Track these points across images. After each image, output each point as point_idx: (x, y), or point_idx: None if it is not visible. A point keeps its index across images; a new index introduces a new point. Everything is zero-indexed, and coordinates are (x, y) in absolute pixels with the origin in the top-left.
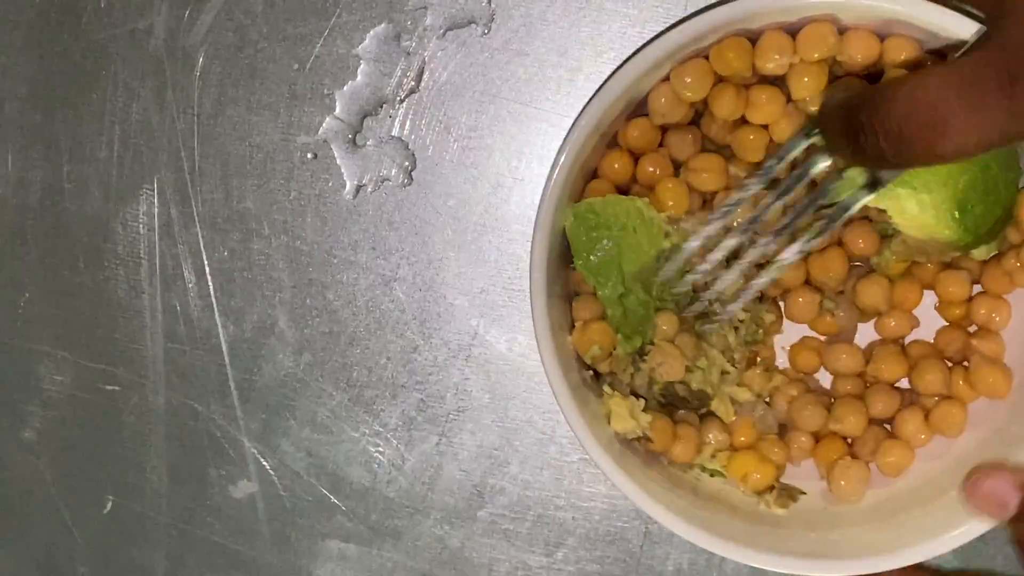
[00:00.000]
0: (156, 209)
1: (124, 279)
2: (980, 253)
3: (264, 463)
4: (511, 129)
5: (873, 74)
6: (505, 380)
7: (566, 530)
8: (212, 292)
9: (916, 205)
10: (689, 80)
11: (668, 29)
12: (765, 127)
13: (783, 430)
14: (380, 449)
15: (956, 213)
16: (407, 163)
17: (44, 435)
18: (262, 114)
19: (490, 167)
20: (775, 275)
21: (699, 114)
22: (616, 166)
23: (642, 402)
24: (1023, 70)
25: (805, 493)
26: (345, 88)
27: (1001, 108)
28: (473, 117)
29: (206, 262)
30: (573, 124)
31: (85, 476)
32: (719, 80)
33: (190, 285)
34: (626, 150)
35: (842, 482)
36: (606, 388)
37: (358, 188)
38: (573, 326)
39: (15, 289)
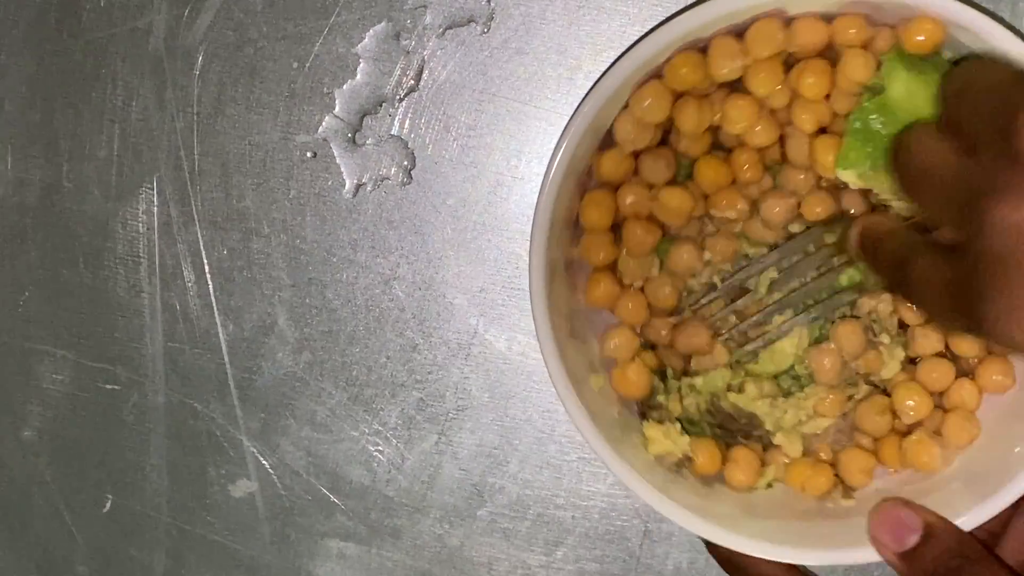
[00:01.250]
0: (156, 208)
1: (124, 278)
2: None
3: (264, 462)
4: (511, 128)
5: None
6: (505, 379)
7: (565, 529)
8: (212, 291)
9: None
10: (648, 103)
11: (620, 57)
12: (728, 152)
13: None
14: (380, 448)
15: None
16: (406, 162)
17: (44, 434)
18: (262, 113)
19: (490, 166)
20: (761, 343)
21: (667, 132)
22: (597, 210)
23: (678, 425)
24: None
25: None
26: (344, 87)
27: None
28: (472, 116)
29: (206, 261)
30: (568, 123)
31: (85, 475)
32: (679, 96)
33: (190, 284)
34: (607, 182)
35: (923, 456)
36: (645, 423)
37: (357, 187)
38: (575, 329)
39: (15, 289)
